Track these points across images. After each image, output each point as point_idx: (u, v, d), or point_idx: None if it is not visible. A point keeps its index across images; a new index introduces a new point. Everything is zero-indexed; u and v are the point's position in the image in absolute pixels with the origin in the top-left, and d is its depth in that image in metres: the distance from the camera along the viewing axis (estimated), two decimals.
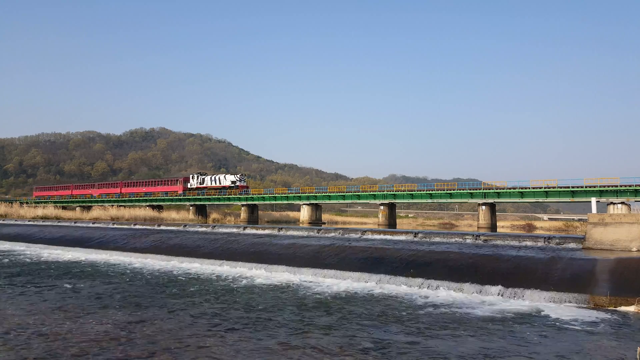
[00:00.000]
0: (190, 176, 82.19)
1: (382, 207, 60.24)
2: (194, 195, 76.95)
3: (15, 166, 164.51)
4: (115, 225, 30.91)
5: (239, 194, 74.01)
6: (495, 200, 53.34)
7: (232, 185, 75.81)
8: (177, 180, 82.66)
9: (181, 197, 79.36)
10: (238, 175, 78.58)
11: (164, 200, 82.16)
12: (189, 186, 79.32)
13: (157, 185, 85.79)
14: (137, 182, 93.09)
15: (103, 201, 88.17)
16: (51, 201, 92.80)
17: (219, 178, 78.10)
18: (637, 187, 44.73)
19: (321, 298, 11.20)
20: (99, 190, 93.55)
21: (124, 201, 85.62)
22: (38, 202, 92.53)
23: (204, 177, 79.92)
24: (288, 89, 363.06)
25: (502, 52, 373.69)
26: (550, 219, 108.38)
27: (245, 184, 76.92)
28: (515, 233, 29.68)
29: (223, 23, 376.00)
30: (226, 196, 74.01)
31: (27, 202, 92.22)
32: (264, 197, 70.31)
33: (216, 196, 74.66)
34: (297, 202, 67.73)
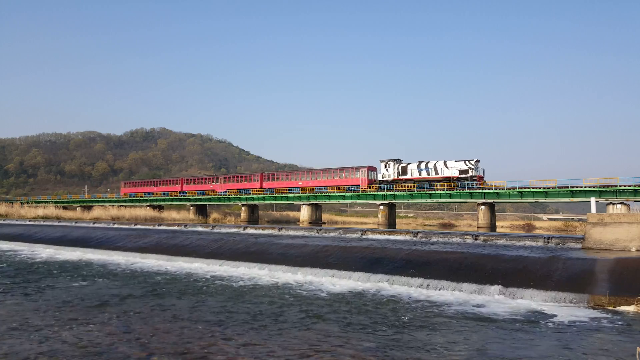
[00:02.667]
0: (383, 164, 59.52)
1: (382, 207, 60.26)
2: (377, 191, 59.35)
3: (16, 166, 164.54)
4: (115, 225, 30.95)
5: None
6: (495, 200, 53.36)
7: (463, 176, 53.74)
8: (356, 170, 61.65)
9: (181, 197, 79.21)
10: (472, 162, 53.52)
11: (164, 200, 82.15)
12: (379, 177, 59.86)
13: (328, 177, 64.81)
14: (274, 175, 72.42)
15: (110, 201, 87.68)
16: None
17: (435, 166, 55.69)
18: (637, 187, 44.75)
19: (321, 298, 11.23)
20: (234, 184, 74.71)
21: (124, 201, 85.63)
22: (131, 201, 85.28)
23: (404, 165, 58.07)
24: (288, 89, 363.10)
25: (502, 52, 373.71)
26: (549, 219, 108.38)
27: (481, 174, 53.84)
28: (514, 233, 29.71)
29: (223, 23, 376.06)
30: (226, 196, 74.03)
31: (113, 201, 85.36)
32: (264, 197, 70.33)
33: (216, 196, 74.67)
34: (297, 202, 67.74)
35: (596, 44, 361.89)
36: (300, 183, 67.18)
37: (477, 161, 54.01)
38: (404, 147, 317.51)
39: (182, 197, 79.39)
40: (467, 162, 53.75)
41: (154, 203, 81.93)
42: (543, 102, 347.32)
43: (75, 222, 35.78)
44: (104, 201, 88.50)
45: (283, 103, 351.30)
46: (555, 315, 9.34)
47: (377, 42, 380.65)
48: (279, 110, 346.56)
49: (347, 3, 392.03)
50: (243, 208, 72.17)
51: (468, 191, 53.66)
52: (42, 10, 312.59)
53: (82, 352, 6.81)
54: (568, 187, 48.06)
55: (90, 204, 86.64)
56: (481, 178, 53.52)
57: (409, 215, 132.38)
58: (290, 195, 67.49)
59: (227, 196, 73.91)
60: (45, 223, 37.83)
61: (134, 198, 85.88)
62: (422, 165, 56.54)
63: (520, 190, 50.88)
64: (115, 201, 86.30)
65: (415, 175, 57.01)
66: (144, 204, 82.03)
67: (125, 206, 76.63)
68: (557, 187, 48.86)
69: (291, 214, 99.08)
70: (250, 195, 71.13)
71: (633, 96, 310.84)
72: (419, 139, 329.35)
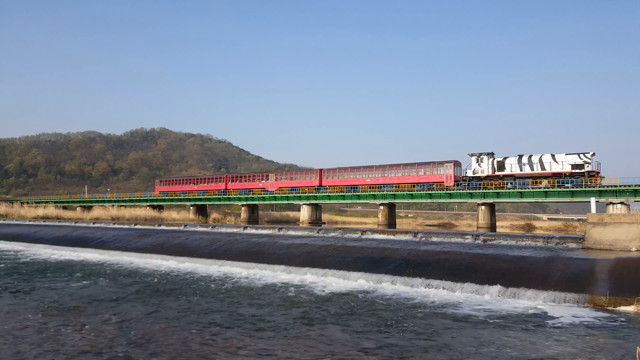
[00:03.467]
0: (474, 158, 52.48)
1: (381, 207, 60.27)
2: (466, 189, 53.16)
3: (16, 166, 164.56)
4: (115, 225, 30.94)
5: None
6: (495, 200, 53.33)
7: (577, 171, 46.92)
8: (439, 165, 54.85)
9: (181, 197, 79.18)
10: (587, 155, 46.59)
11: (164, 200, 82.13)
12: (469, 173, 52.79)
13: (403, 173, 57.53)
14: (335, 172, 64.09)
15: (110, 201, 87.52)
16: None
17: (542, 160, 48.77)
18: (637, 187, 44.72)
19: (321, 298, 11.23)
20: (287, 182, 68.14)
21: (124, 201, 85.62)
22: (131, 201, 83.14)
23: (500, 159, 51.27)
24: (288, 89, 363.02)
25: (502, 52, 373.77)
26: (549, 219, 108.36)
27: (597, 169, 47.04)
28: (514, 233, 29.71)
29: (223, 23, 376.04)
30: (226, 196, 74.03)
31: (113, 201, 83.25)
32: (264, 197, 70.31)
33: (216, 196, 74.67)
34: (297, 202, 67.71)
35: (596, 44, 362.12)
36: (368, 180, 60.24)
37: (593, 154, 46.99)
38: (404, 147, 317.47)
39: (182, 197, 79.26)
40: (581, 155, 46.78)
41: (154, 203, 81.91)
42: (543, 102, 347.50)
43: (75, 222, 35.77)
44: (104, 201, 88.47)
45: (283, 103, 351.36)
46: (556, 315, 9.34)
47: (377, 43, 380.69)
48: (279, 110, 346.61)
49: (347, 3, 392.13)
50: (243, 208, 72.17)
51: (468, 191, 53.66)
52: (42, 10, 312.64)
53: (82, 352, 6.81)
54: (568, 187, 48.02)
55: (90, 204, 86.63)
56: (598, 173, 46.73)
57: (409, 215, 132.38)
58: (290, 195, 67.45)
59: (227, 196, 73.91)
60: (45, 223, 37.82)
61: (134, 198, 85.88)
62: (524, 159, 49.87)
63: (520, 190, 50.82)
64: (115, 201, 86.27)
65: (516, 170, 50.19)
66: (144, 204, 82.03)
67: (125, 206, 76.60)
68: (557, 187, 48.82)
69: (291, 214, 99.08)
70: (250, 195, 71.10)
71: (632, 96, 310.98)
72: (419, 138, 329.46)
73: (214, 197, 74.76)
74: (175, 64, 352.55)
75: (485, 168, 52.03)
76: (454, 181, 53.55)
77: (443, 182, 54.21)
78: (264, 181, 70.73)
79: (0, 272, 15.47)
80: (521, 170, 49.98)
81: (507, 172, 50.70)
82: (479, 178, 52.40)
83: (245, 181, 73.72)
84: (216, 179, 77.40)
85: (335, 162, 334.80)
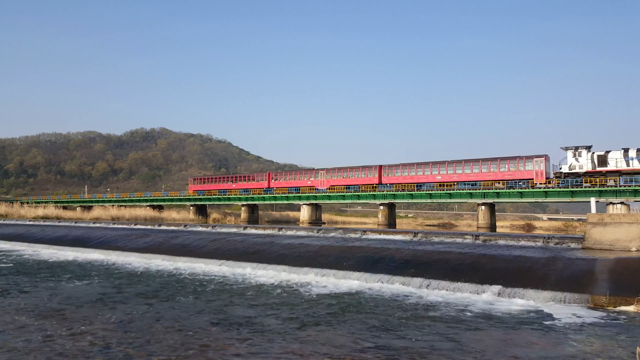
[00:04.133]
0: (570, 152, 47.29)
1: (381, 207, 60.27)
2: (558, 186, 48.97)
3: (16, 166, 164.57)
4: (115, 225, 30.94)
5: (239, 194, 67.14)
6: (495, 200, 53.35)
7: None
8: (526, 160, 50.10)
9: (181, 197, 79.14)
10: None
11: (164, 200, 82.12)
12: (565, 169, 47.49)
13: (482, 169, 52.52)
14: (395, 168, 58.89)
15: (110, 201, 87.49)
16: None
17: None
18: (637, 187, 44.69)
19: (321, 298, 11.22)
20: (342, 180, 62.50)
21: (124, 201, 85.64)
22: (131, 201, 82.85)
23: (602, 153, 46.09)
24: (288, 89, 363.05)
25: (502, 52, 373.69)
26: (549, 219, 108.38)
27: None
28: (514, 233, 29.70)
29: (223, 23, 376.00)
30: (226, 196, 74.00)
31: (113, 201, 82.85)
32: (264, 197, 70.29)
33: (216, 196, 74.66)
34: (297, 202, 67.71)
35: (596, 44, 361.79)
36: (439, 177, 55.14)
37: None
38: (404, 147, 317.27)
39: (182, 197, 79.17)
40: None
41: (154, 203, 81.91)
42: (543, 102, 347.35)
43: (75, 222, 35.77)
44: (104, 201, 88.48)
45: (283, 103, 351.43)
46: (555, 316, 9.33)
47: (377, 43, 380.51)
48: (279, 110, 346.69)
49: (347, 3, 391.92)
50: (243, 208, 72.15)
51: (468, 191, 53.72)
52: (42, 10, 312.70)
53: (82, 352, 6.81)
54: (568, 187, 48.00)
55: (90, 204, 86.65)
56: None
57: (409, 216, 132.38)
58: (290, 195, 67.43)
59: (227, 196, 73.88)
60: (45, 223, 37.83)
61: (134, 198, 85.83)
62: (632, 153, 44.05)
63: (520, 190, 50.84)
64: (115, 201, 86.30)
65: (622, 166, 44.49)
66: (144, 204, 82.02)
67: (125, 206, 76.62)
68: (557, 187, 48.80)
69: (291, 214, 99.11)
70: (250, 195, 71.07)
71: (632, 96, 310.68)
72: (418, 138, 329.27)
73: (213, 197, 74.73)
74: (175, 64, 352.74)
75: (584, 163, 46.76)
76: (546, 178, 49.02)
77: (532, 179, 49.62)
78: (312, 179, 65.24)
79: (0, 272, 15.46)
80: (629, 165, 44.68)
81: (611, 167, 45.41)
82: (577, 174, 47.19)
83: (291, 178, 68.03)
84: (257, 176, 71.74)
85: (335, 162, 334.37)
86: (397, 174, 58.64)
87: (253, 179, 71.85)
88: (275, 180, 69.36)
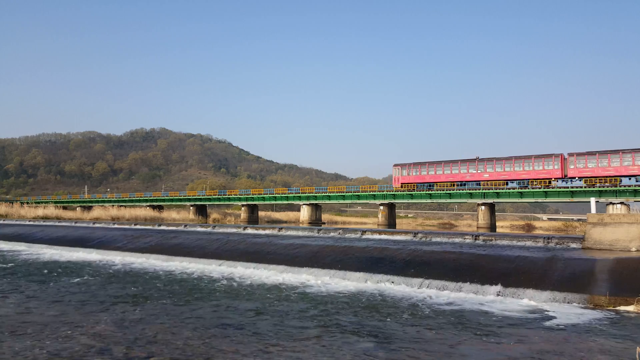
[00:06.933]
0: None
1: (381, 207, 60.28)
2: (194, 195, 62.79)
3: (16, 166, 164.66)
4: (115, 225, 30.94)
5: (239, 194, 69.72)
6: (495, 201, 53.36)
7: None
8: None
9: (181, 197, 79.27)
10: None
11: (164, 200, 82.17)
12: None
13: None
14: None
15: (110, 201, 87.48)
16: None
17: None
18: (636, 187, 44.72)
19: (321, 298, 11.22)
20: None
21: (124, 201, 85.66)
22: (131, 201, 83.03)
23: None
24: (288, 89, 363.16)
25: (501, 52, 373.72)
26: (549, 219, 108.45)
27: None
28: (514, 233, 29.71)
29: (223, 23, 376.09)
30: (226, 196, 74.06)
31: (113, 201, 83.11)
32: (264, 197, 70.32)
33: (216, 196, 74.72)
34: (297, 202, 67.76)
35: (596, 44, 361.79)
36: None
37: None
38: (404, 147, 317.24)
39: (182, 197, 79.30)
40: None
41: (154, 203, 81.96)
42: (543, 103, 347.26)
43: (75, 222, 35.76)
44: (103, 201, 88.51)
45: (283, 103, 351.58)
46: (555, 316, 9.33)
47: (377, 43, 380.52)
48: (279, 110, 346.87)
49: (347, 3, 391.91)
50: (243, 208, 72.21)
51: (468, 191, 53.70)
52: (42, 10, 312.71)
53: (81, 352, 6.81)
54: (568, 187, 48.02)
55: (90, 204, 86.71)
56: None
57: (409, 216, 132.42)
58: (290, 195, 67.52)
59: (226, 196, 73.94)
60: (45, 223, 37.82)
61: (134, 198, 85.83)
62: None
63: (520, 190, 50.85)
64: (115, 201, 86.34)
65: None
66: (144, 204, 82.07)
67: (125, 206, 76.67)
68: (557, 187, 48.80)
69: (291, 214, 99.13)
70: (250, 195, 71.14)
71: (632, 96, 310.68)
72: (418, 139, 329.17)
73: (213, 197, 74.83)
74: (175, 64, 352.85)
75: None
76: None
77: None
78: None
79: (0, 273, 15.46)
80: None
81: None
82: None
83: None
84: (539, 161, 50.28)
85: (335, 162, 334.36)
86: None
87: (528, 165, 50.68)
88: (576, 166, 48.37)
